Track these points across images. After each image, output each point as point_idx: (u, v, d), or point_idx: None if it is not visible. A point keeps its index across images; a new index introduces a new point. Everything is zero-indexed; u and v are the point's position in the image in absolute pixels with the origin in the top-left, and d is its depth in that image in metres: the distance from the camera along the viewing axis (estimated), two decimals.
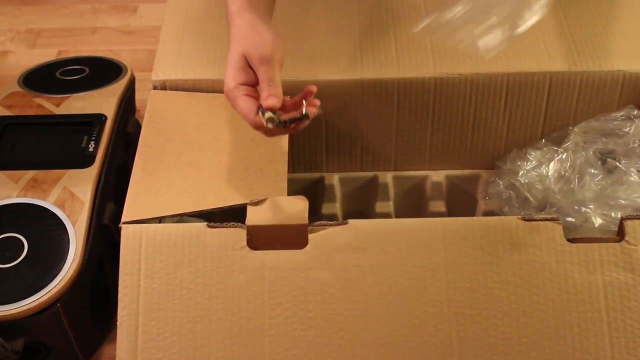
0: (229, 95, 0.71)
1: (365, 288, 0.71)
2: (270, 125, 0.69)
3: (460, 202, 0.94)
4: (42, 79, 1.02)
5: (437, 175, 0.93)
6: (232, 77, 0.71)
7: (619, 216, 0.76)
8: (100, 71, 1.03)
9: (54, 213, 0.83)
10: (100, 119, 0.94)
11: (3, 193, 0.85)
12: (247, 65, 0.71)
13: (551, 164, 0.85)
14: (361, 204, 0.95)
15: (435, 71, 0.86)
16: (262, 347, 0.70)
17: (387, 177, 0.93)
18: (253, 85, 0.72)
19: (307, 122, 0.70)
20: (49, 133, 0.93)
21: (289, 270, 0.71)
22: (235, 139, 0.81)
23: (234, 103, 0.71)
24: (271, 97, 0.69)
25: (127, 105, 1.00)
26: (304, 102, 0.70)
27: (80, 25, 1.31)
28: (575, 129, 0.88)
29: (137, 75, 1.04)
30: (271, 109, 0.69)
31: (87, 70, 1.03)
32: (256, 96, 0.71)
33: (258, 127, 0.70)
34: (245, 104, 0.70)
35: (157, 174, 0.78)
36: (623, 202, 0.80)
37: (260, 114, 0.69)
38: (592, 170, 0.83)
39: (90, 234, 0.83)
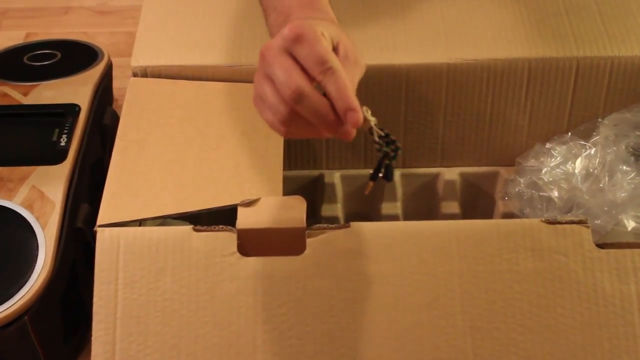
0: (309, 28, 0.59)
1: (370, 299, 0.71)
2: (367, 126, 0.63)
3: (476, 203, 0.94)
4: (8, 65, 1.02)
5: (450, 173, 0.93)
6: (322, 25, 0.60)
7: None
8: (73, 56, 1.03)
9: (20, 215, 0.83)
10: (73, 109, 0.93)
11: None
12: (335, 45, 0.62)
13: (578, 161, 0.85)
14: (365, 205, 0.95)
15: (449, 56, 0.86)
16: None
17: (395, 175, 0.93)
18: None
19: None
20: (16, 125, 0.92)
21: (285, 279, 0.71)
22: (225, 133, 0.81)
23: (312, 37, 0.59)
24: (352, 113, 0.59)
25: (104, 95, 1.00)
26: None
27: (51, 5, 1.31)
28: (605, 121, 0.88)
29: (114, 60, 1.04)
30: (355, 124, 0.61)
31: (59, 55, 1.03)
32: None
33: (334, 75, 0.59)
34: (329, 47, 0.59)
35: (137, 172, 0.78)
36: None
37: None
38: (624, 167, 0.83)
39: (62, 239, 0.83)
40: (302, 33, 0.60)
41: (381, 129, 0.66)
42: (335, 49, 0.64)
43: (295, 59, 0.61)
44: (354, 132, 0.63)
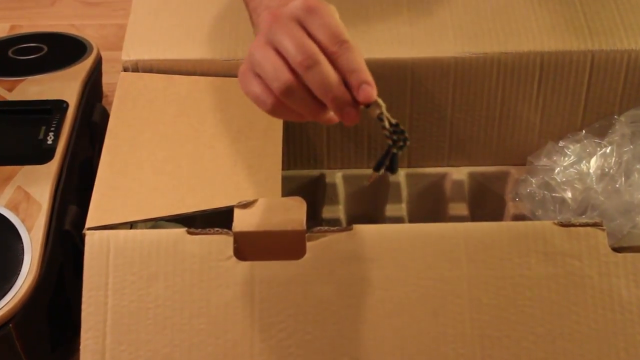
0: (322, 2, 0.60)
1: (374, 306, 0.71)
2: (374, 112, 0.62)
3: (486, 204, 0.94)
4: None
5: (458, 173, 0.93)
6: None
7: None
8: (60, 50, 1.03)
9: (5, 217, 0.83)
10: (60, 106, 0.93)
11: None
12: None
13: (593, 160, 0.85)
14: (368, 207, 0.95)
15: (456, 49, 0.86)
16: None
17: (399, 175, 0.93)
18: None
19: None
20: (0, 123, 0.92)
21: (284, 285, 0.71)
22: (221, 131, 0.81)
23: (325, 10, 0.60)
24: (367, 86, 0.60)
25: (93, 90, 1.00)
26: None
27: None
28: (622, 118, 0.87)
29: (104, 54, 1.04)
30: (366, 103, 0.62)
31: (45, 48, 1.03)
32: None
33: (349, 47, 0.59)
34: (304, 38, 0.59)
35: (128, 172, 0.78)
36: None
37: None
38: None
39: (49, 242, 0.83)
40: (316, 6, 0.61)
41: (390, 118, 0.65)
42: None
43: (306, 30, 0.61)
44: (358, 115, 0.62)
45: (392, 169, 0.66)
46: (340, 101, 0.62)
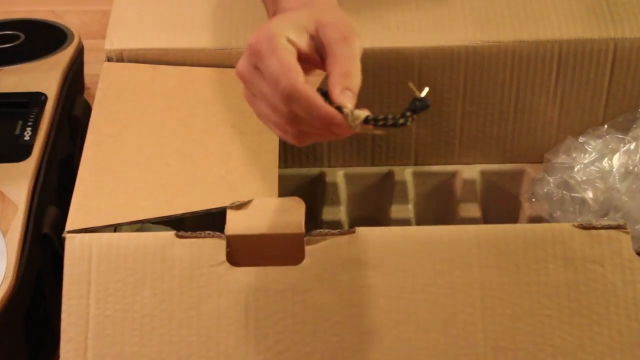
0: (261, 43, 0.64)
1: (378, 315, 0.71)
2: (361, 127, 0.63)
3: (499, 205, 0.94)
4: None
5: (470, 171, 0.93)
6: (279, 27, 0.65)
7: None
8: (38, 38, 1.03)
9: None
10: (38, 99, 0.93)
11: None
12: (313, 33, 0.66)
13: (616, 157, 0.85)
14: (372, 208, 0.95)
15: (468, 37, 0.86)
16: None
17: (406, 174, 0.93)
18: (303, 57, 0.66)
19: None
20: None
21: (281, 293, 0.71)
22: (212, 126, 0.81)
23: (265, 55, 0.63)
24: (346, 95, 0.63)
25: (74, 82, 1.00)
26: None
27: None
28: None
29: (86, 43, 1.04)
30: (342, 107, 0.63)
31: (23, 36, 1.03)
32: (306, 67, 0.66)
33: (292, 95, 0.62)
34: (286, 60, 0.63)
35: (112, 170, 0.78)
36: None
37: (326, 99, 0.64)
38: None
39: (26, 246, 0.83)
40: (258, 49, 0.65)
41: (376, 118, 0.64)
42: (315, 37, 0.66)
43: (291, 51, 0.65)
44: (348, 131, 0.65)
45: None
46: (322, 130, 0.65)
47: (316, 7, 0.68)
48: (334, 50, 0.65)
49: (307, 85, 0.63)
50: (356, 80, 0.65)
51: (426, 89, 0.65)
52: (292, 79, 0.63)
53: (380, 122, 0.64)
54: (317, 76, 0.68)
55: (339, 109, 0.63)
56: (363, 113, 0.64)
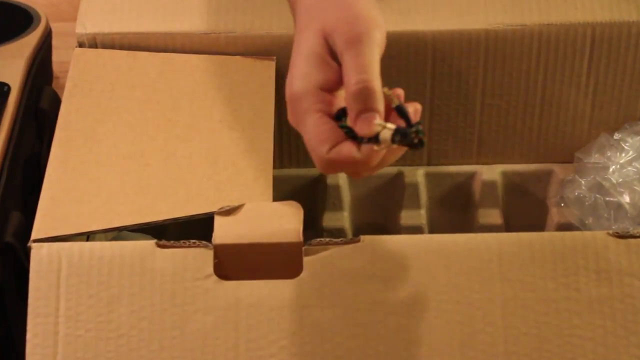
0: (295, 104, 0.68)
1: (387, 335, 0.71)
2: (387, 145, 0.65)
3: (524, 211, 0.94)
4: None
5: (490, 172, 0.93)
6: (302, 76, 0.67)
7: None
8: (1, 20, 1.03)
9: None
10: (0, 89, 0.93)
11: None
12: (329, 51, 0.68)
13: None
14: (379, 214, 0.95)
15: (488, 20, 0.86)
16: None
17: (418, 175, 0.93)
18: (336, 86, 0.68)
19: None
20: None
21: (276, 310, 0.71)
22: (199, 120, 0.81)
23: (299, 119, 0.67)
24: (365, 119, 0.65)
25: (40, 71, 1.00)
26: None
27: None
28: None
29: (54, 26, 1.04)
30: (366, 137, 0.65)
31: None
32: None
33: (330, 164, 0.66)
34: (316, 127, 0.66)
35: (84, 171, 0.78)
36: None
37: (343, 126, 0.66)
38: None
39: None
40: (292, 111, 0.69)
41: (399, 137, 0.65)
42: (332, 51, 0.68)
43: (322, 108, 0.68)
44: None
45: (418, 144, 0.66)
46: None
47: (324, 4, 0.69)
48: (343, 64, 0.66)
49: (338, 148, 0.66)
50: (369, 93, 0.65)
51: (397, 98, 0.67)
52: (322, 152, 0.66)
53: (398, 140, 0.64)
54: None
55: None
56: (389, 132, 0.64)
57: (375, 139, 0.65)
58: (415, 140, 0.64)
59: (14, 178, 0.89)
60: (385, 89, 0.66)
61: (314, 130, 0.66)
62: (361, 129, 0.65)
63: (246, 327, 0.71)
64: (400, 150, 0.67)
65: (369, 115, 0.65)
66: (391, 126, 0.65)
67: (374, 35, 0.67)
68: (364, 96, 0.65)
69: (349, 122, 0.66)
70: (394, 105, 0.66)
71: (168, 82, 0.84)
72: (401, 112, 0.65)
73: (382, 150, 0.65)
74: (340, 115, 0.67)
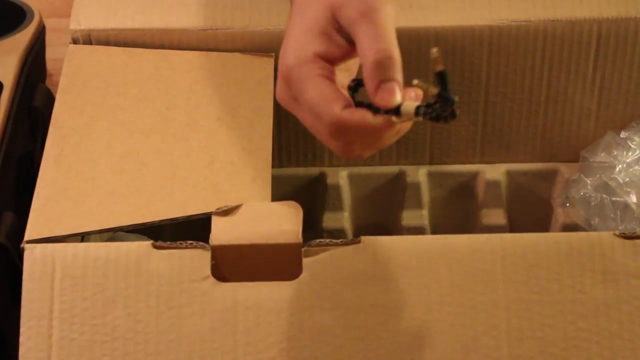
0: (291, 75, 0.66)
1: (387, 338, 0.71)
2: (410, 118, 0.63)
3: (528, 211, 0.94)
4: None
5: (494, 171, 0.93)
6: (300, 48, 0.66)
7: None
8: None
9: None
10: None
11: None
12: (334, 26, 0.67)
13: None
14: (381, 214, 0.95)
15: (492, 16, 0.86)
16: None
17: (420, 174, 0.93)
18: (338, 60, 0.67)
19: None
20: None
21: (275, 312, 0.71)
22: (196, 118, 0.81)
23: (297, 90, 0.66)
24: (387, 89, 0.63)
25: (34, 68, 1.00)
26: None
27: None
28: None
29: (48, 23, 1.04)
30: (387, 108, 0.63)
31: None
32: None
33: (340, 128, 0.65)
34: (321, 90, 0.65)
35: (78, 170, 0.78)
36: None
37: (353, 96, 0.65)
38: None
39: None
40: (290, 80, 0.67)
41: (426, 109, 0.63)
42: (339, 27, 0.67)
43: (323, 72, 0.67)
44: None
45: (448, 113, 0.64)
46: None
47: None
48: (357, 35, 0.65)
49: (350, 110, 0.64)
50: (390, 62, 0.64)
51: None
52: (333, 112, 0.64)
53: (430, 116, 0.63)
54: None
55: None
56: (412, 105, 0.63)
57: (395, 111, 0.63)
58: (446, 114, 0.63)
59: (6, 177, 0.89)
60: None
61: (320, 93, 0.65)
62: (382, 99, 0.64)
63: (244, 330, 0.71)
64: (409, 124, 0.67)
65: (391, 85, 0.64)
66: (413, 104, 0.63)
67: (387, 9, 0.66)
68: (385, 66, 0.64)
69: (368, 93, 0.64)
70: (438, 69, 0.63)
71: (164, 80, 0.84)
72: (442, 77, 0.63)
73: (399, 124, 0.64)
74: (353, 88, 0.66)
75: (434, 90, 0.63)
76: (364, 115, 0.64)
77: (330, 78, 0.66)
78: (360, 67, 0.66)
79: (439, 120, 0.63)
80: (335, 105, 0.64)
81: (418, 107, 0.63)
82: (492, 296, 0.72)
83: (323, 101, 0.65)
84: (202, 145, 0.80)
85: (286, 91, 0.68)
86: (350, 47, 0.67)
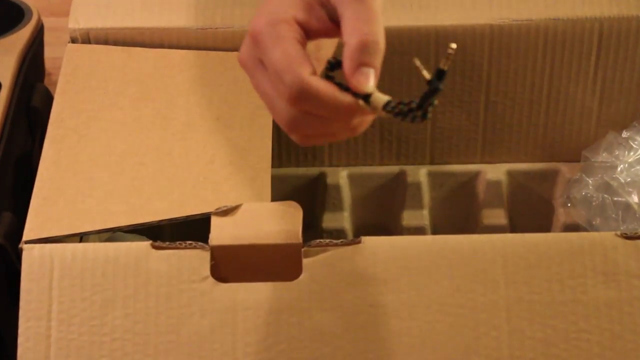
0: (262, 30, 0.63)
1: (388, 339, 0.71)
2: (375, 110, 0.62)
3: (529, 211, 0.94)
4: None
5: (495, 171, 0.93)
6: (281, 7, 0.64)
7: None
8: None
9: None
10: None
11: None
12: (320, 0, 0.64)
13: None
14: (381, 214, 0.95)
15: (493, 15, 0.86)
16: None
17: (420, 174, 0.94)
18: (314, 33, 0.65)
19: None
20: None
21: (275, 313, 0.71)
22: (195, 118, 0.82)
23: (268, 45, 0.63)
24: (365, 73, 0.62)
25: (32, 67, 1.00)
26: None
27: None
28: None
29: (46, 21, 1.04)
30: (359, 92, 0.62)
31: None
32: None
33: (303, 92, 0.62)
34: (292, 52, 0.62)
35: (77, 170, 0.78)
36: None
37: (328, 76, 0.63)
38: None
39: None
40: (259, 38, 0.64)
41: (394, 108, 0.63)
42: (325, 2, 0.65)
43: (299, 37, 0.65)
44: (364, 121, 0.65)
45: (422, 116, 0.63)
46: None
47: None
48: (345, 13, 0.63)
49: (318, 78, 0.62)
50: (376, 48, 0.63)
51: (450, 50, 0.62)
52: (300, 74, 0.62)
53: (397, 112, 0.62)
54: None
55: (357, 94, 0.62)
56: (382, 98, 0.62)
57: (365, 98, 0.62)
58: (415, 114, 0.62)
59: (5, 177, 0.89)
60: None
61: (290, 54, 0.62)
62: (358, 82, 0.62)
63: (244, 330, 0.71)
64: (368, 122, 0.65)
65: (370, 70, 0.62)
66: (384, 97, 0.63)
67: None
68: (370, 50, 0.62)
69: (345, 72, 0.62)
70: (442, 67, 0.62)
71: (163, 79, 0.84)
72: (441, 74, 0.62)
73: (360, 116, 0.63)
74: (331, 64, 0.65)
75: (427, 75, 0.62)
76: (331, 87, 0.62)
77: (303, 44, 0.64)
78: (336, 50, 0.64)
79: (405, 118, 0.62)
80: (304, 68, 0.62)
81: (388, 102, 0.62)
82: (493, 296, 0.72)
83: (292, 62, 0.62)
84: (201, 145, 0.80)
85: (251, 50, 0.65)
86: (330, 25, 0.65)
